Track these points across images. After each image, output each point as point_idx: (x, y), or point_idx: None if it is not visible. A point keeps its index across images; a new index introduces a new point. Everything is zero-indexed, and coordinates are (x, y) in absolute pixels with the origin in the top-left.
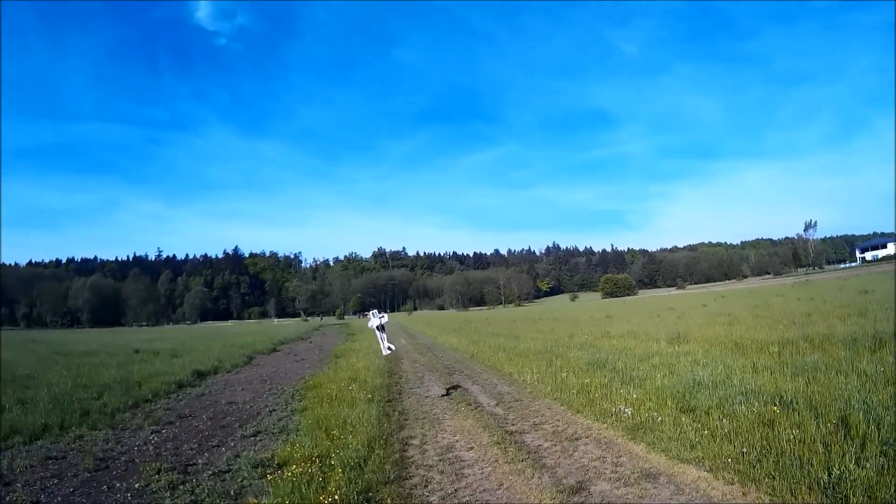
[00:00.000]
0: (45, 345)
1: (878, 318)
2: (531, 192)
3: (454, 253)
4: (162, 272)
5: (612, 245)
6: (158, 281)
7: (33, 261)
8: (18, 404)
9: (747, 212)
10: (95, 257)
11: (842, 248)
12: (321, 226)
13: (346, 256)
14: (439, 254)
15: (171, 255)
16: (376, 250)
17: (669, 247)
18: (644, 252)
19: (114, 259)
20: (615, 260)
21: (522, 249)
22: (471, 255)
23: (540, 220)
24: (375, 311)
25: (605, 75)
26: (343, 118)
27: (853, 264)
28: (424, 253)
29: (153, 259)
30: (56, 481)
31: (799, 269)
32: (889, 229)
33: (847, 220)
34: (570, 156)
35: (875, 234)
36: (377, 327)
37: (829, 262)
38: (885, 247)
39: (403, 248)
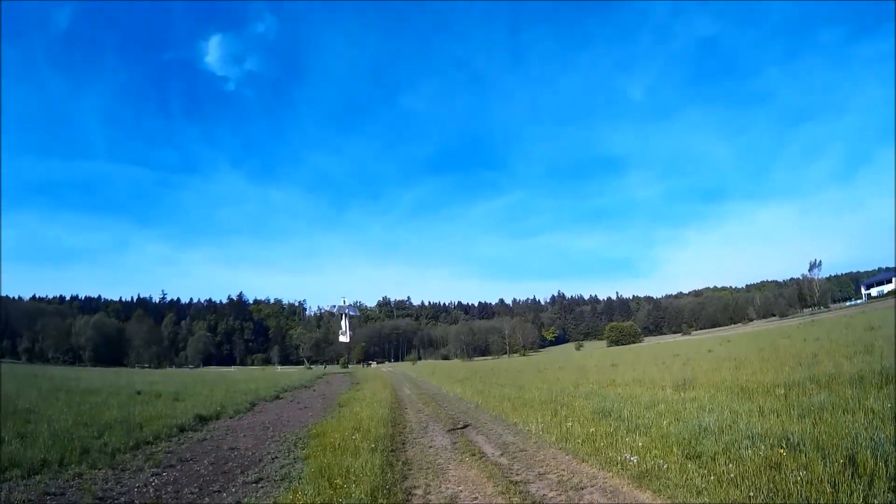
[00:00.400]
0: (47, 380)
1: (884, 354)
2: (538, 240)
3: (459, 303)
4: (166, 315)
5: (617, 293)
6: (162, 323)
7: (37, 296)
8: (18, 438)
9: (753, 254)
10: (99, 296)
11: (847, 286)
12: (328, 274)
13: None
14: (444, 303)
15: (175, 299)
16: (381, 299)
17: (675, 293)
18: (649, 299)
19: (118, 299)
20: (620, 308)
21: (527, 299)
22: (476, 304)
23: (546, 268)
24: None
25: (612, 120)
26: (353, 166)
27: (859, 301)
28: (429, 302)
29: (157, 301)
30: None
31: (805, 310)
32: (893, 263)
33: (852, 257)
34: (578, 202)
35: (880, 269)
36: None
37: (834, 301)
38: (890, 281)
39: (408, 298)
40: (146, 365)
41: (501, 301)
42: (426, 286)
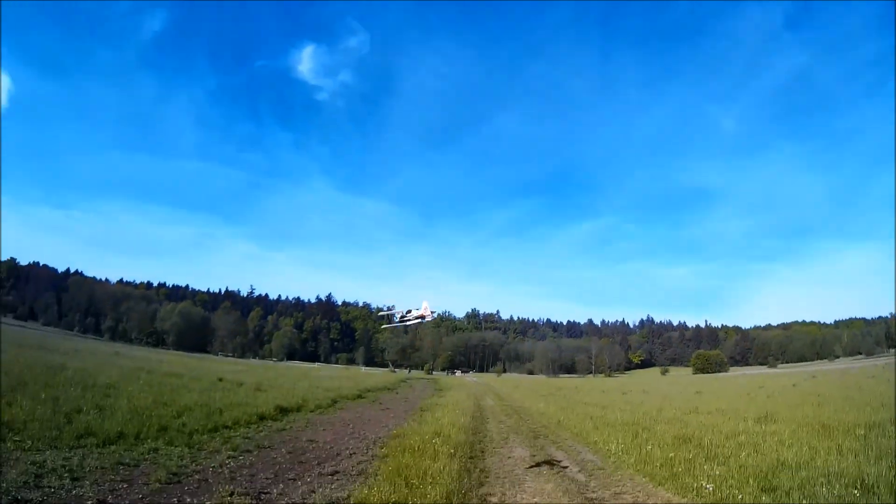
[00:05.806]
0: (129, 359)
1: None
2: (627, 266)
3: (548, 320)
4: (253, 309)
5: (706, 321)
6: (248, 317)
7: (124, 279)
8: (96, 409)
9: (842, 291)
10: (187, 286)
11: None
12: (416, 285)
13: (439, 314)
14: (533, 319)
15: (263, 294)
16: (470, 311)
17: (763, 324)
18: (737, 329)
19: (205, 290)
20: (708, 336)
21: (616, 321)
22: (564, 322)
23: (634, 294)
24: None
25: (703, 151)
26: (442, 182)
27: None
28: (518, 318)
29: (245, 295)
30: (125, 486)
31: (891, 349)
32: None
33: None
34: (668, 232)
35: None
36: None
37: None
38: None
39: (497, 311)
40: (230, 354)
41: (590, 321)
42: (514, 303)
